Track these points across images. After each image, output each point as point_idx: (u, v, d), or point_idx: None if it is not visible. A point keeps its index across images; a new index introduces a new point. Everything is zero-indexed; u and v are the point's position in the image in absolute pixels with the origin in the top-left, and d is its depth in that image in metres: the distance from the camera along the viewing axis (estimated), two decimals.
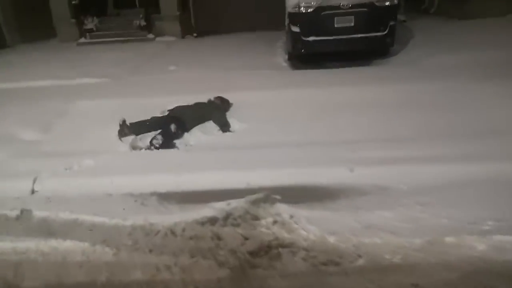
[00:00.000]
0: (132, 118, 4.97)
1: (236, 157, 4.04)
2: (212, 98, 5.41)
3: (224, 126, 4.96)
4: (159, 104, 5.69)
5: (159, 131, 4.76)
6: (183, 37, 11.55)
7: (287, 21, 7.69)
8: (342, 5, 7.02)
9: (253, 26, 11.15)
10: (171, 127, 4.72)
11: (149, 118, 5.07)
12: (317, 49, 7.45)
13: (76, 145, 4.68)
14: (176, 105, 5.37)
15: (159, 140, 4.53)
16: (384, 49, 7.55)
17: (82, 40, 11.34)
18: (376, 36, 7.19)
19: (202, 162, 4.00)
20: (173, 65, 8.28)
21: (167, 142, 4.59)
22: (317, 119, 4.96)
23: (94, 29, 11.37)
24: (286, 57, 8.29)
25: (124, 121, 4.84)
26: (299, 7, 7.18)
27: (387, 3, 7.05)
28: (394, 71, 6.62)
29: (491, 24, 8.68)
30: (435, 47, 7.59)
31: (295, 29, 7.35)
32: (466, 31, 8.48)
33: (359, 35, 7.19)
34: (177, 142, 4.68)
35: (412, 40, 8.45)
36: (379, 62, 7.58)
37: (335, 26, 7.18)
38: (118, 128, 4.87)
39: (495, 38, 7.59)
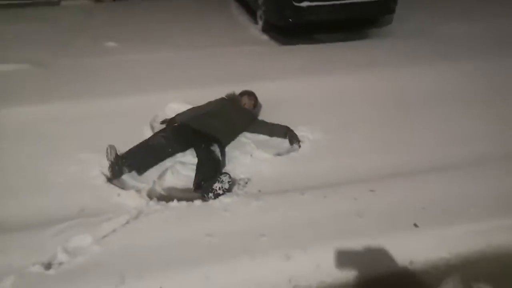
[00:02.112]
0: (105, 139, 3.17)
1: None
2: (231, 93, 3.69)
3: (293, 137, 3.39)
4: (132, 108, 3.82)
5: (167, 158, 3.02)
6: (97, 0, 8.97)
7: None
8: None
9: None
10: (213, 149, 2.97)
11: (148, 136, 3.20)
12: (309, 18, 5.94)
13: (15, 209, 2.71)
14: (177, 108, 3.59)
15: (225, 182, 2.79)
16: (386, 15, 6.36)
17: None
18: (379, 0, 5.95)
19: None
20: (110, 41, 6.06)
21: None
22: (404, 119, 3.68)
23: None
24: (260, 27, 6.64)
25: (114, 151, 2.95)
26: None
27: None
28: (407, 45, 5.49)
29: None
30: (440, 12, 6.64)
31: None
32: None
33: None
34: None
35: (410, 4, 7.28)
36: (375, 32, 6.41)
37: None
38: (98, 160, 2.96)
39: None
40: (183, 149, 3.21)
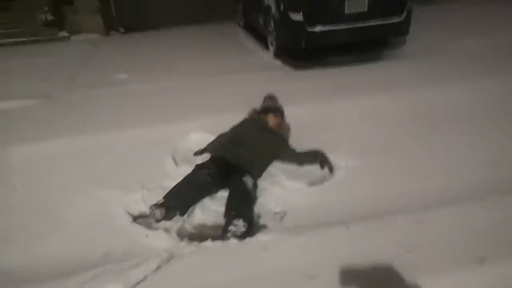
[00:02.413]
0: (125, 173, 3.06)
1: None
2: (253, 111, 3.56)
3: (324, 161, 3.19)
4: (150, 139, 3.66)
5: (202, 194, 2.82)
6: (107, 34, 8.99)
7: (277, 9, 5.96)
8: None
9: (187, 18, 9.15)
10: (245, 180, 2.77)
11: (182, 178, 2.97)
12: (323, 42, 5.86)
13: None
14: (199, 139, 3.41)
15: (240, 226, 2.55)
16: (400, 36, 6.27)
17: None
18: (393, 22, 5.86)
19: None
20: (122, 73, 5.97)
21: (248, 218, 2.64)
22: (434, 140, 3.52)
23: None
24: (271, 53, 6.55)
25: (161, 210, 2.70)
26: None
27: None
28: (423, 65, 5.35)
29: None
30: (452, 29, 6.56)
31: (296, 17, 5.66)
32: (479, 10, 7.67)
33: (373, 23, 5.78)
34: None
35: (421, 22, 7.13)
36: (388, 54, 6.30)
37: (345, 12, 5.67)
38: (119, 197, 2.77)
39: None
40: (224, 185, 3.00)
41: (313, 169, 3.21)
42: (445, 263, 2.16)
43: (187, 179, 2.92)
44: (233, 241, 2.46)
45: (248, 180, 2.82)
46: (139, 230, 2.66)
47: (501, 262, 2.15)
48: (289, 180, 3.04)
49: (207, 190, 2.95)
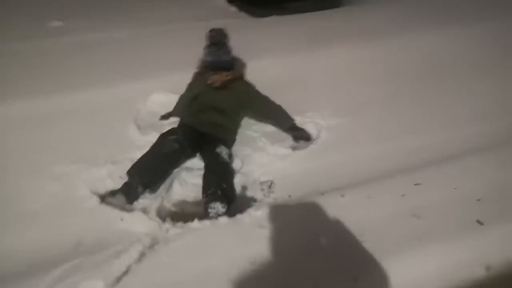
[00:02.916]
0: (83, 145, 2.69)
1: None
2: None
3: (299, 136, 2.84)
4: (105, 103, 3.25)
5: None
6: None
7: None
8: None
9: None
10: (219, 151, 2.49)
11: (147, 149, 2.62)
12: None
13: None
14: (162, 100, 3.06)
15: (218, 208, 2.31)
16: None
17: None
18: None
19: None
20: (54, 19, 5.18)
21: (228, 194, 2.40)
22: (420, 94, 3.41)
23: None
24: None
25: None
26: None
27: None
28: (393, 11, 5.17)
29: None
30: None
31: None
32: None
33: None
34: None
35: None
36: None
37: None
38: (81, 173, 2.44)
39: None
40: (193, 153, 2.70)
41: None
42: (452, 227, 2.10)
43: (152, 150, 2.58)
44: (223, 219, 2.22)
45: (222, 151, 2.55)
46: (111, 212, 2.33)
47: (502, 223, 2.14)
48: (272, 145, 2.80)
49: (176, 159, 2.65)
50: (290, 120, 2.88)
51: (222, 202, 2.32)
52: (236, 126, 2.85)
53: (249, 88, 2.91)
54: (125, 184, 2.44)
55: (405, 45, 4.06)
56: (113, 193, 2.39)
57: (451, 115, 3.13)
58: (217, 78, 2.72)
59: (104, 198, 2.41)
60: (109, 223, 2.27)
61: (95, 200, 2.40)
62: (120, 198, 2.36)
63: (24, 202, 2.39)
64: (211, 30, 2.77)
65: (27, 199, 2.40)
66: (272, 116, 2.88)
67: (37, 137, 2.87)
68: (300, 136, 2.76)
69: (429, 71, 3.73)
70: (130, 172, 2.50)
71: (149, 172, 2.49)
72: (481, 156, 2.57)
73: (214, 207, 2.30)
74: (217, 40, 2.71)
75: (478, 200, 2.27)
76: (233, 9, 5.76)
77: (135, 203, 2.40)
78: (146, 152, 2.58)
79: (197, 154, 2.74)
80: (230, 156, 2.65)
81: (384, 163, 2.63)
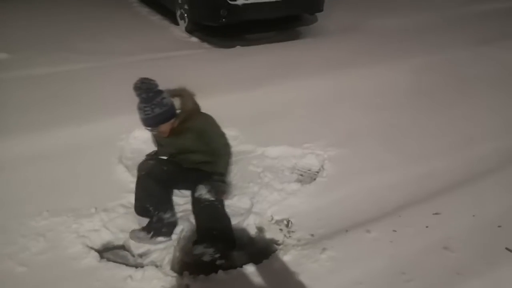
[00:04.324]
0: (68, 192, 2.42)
1: None
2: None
3: (220, 182, 2.38)
4: (91, 142, 2.91)
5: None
6: None
7: None
8: None
9: None
10: (198, 195, 2.28)
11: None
12: (245, 17, 5.44)
13: None
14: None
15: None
16: (316, 13, 6.15)
17: None
18: None
19: None
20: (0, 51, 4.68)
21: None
22: (407, 120, 3.47)
23: None
24: (183, 28, 5.87)
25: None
26: None
27: None
28: (351, 42, 5.35)
29: None
30: (358, 9, 6.69)
31: None
32: None
33: None
34: None
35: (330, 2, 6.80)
36: (304, 31, 6.17)
37: None
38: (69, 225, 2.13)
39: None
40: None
41: (299, 159, 2.91)
42: (483, 258, 2.06)
43: (142, 180, 2.29)
44: (249, 268, 1.99)
45: (202, 192, 2.26)
46: (115, 270, 1.99)
47: None
48: (279, 181, 2.64)
49: (168, 175, 2.37)
50: (222, 168, 2.44)
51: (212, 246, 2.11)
52: (213, 156, 2.46)
53: (203, 122, 2.45)
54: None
55: (383, 72, 4.18)
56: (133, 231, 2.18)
57: (442, 139, 3.20)
58: (164, 130, 2.31)
59: (102, 252, 2.07)
60: (115, 283, 1.93)
61: (93, 255, 2.05)
62: (142, 234, 2.17)
63: (8, 264, 1.97)
64: (135, 86, 2.21)
65: (11, 264, 1.98)
66: (215, 154, 2.46)
67: (14, 188, 2.44)
68: (218, 187, 2.33)
69: (410, 96, 3.84)
70: (138, 210, 2.29)
71: (154, 197, 2.26)
72: (490, 178, 2.63)
73: (196, 248, 2.11)
74: (145, 96, 2.19)
75: (499, 226, 2.28)
76: (194, 39, 5.61)
77: (137, 252, 2.09)
78: (137, 186, 2.29)
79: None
80: (219, 187, 2.33)
81: (395, 193, 2.57)
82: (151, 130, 2.32)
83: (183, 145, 2.42)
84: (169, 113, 2.26)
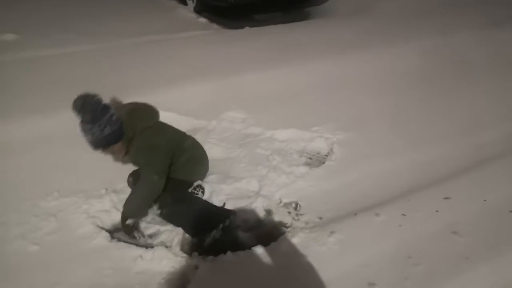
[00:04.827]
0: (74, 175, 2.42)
1: None
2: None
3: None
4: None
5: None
6: None
7: None
8: None
9: None
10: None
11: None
12: None
13: None
14: None
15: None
16: None
17: None
18: None
19: None
20: (8, 32, 4.67)
21: None
22: (417, 103, 3.42)
23: None
24: (191, 9, 5.80)
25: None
26: None
27: None
28: (361, 23, 5.24)
29: None
30: None
31: None
32: None
33: None
34: None
35: None
36: (314, 12, 6.07)
37: None
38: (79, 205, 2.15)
39: None
40: None
41: (308, 142, 2.89)
42: (493, 243, 2.06)
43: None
44: (258, 249, 2.00)
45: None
46: (125, 250, 2.03)
47: None
48: (287, 164, 2.64)
49: None
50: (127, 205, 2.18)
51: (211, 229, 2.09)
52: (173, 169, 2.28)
53: (143, 144, 2.16)
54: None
55: (391, 55, 4.09)
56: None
57: (449, 122, 3.16)
58: (118, 149, 2.12)
59: (112, 232, 2.10)
60: (125, 263, 1.96)
61: (104, 236, 2.08)
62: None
63: (21, 243, 2.01)
64: (76, 106, 1.95)
65: (24, 240, 2.02)
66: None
67: (21, 168, 2.47)
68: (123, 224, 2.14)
69: (418, 81, 3.78)
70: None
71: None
72: (499, 163, 2.61)
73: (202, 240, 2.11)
74: (90, 117, 1.94)
75: (511, 211, 2.26)
76: (202, 20, 5.55)
77: (154, 238, 2.11)
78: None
79: None
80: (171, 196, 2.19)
81: (404, 177, 2.56)
82: (102, 152, 2.09)
83: (136, 159, 2.22)
84: (116, 135, 2.01)
